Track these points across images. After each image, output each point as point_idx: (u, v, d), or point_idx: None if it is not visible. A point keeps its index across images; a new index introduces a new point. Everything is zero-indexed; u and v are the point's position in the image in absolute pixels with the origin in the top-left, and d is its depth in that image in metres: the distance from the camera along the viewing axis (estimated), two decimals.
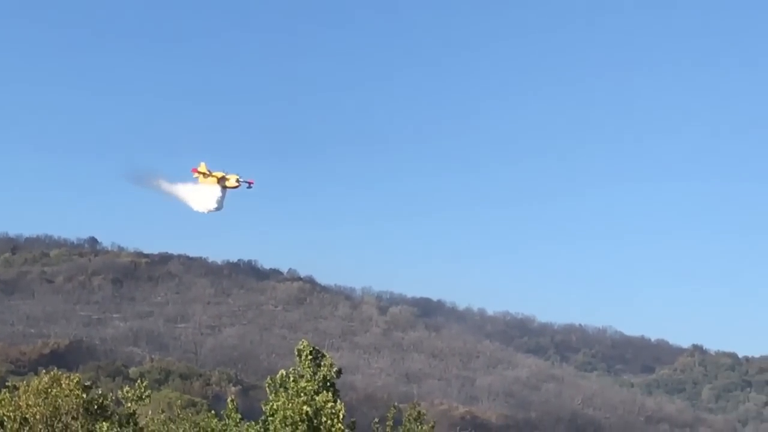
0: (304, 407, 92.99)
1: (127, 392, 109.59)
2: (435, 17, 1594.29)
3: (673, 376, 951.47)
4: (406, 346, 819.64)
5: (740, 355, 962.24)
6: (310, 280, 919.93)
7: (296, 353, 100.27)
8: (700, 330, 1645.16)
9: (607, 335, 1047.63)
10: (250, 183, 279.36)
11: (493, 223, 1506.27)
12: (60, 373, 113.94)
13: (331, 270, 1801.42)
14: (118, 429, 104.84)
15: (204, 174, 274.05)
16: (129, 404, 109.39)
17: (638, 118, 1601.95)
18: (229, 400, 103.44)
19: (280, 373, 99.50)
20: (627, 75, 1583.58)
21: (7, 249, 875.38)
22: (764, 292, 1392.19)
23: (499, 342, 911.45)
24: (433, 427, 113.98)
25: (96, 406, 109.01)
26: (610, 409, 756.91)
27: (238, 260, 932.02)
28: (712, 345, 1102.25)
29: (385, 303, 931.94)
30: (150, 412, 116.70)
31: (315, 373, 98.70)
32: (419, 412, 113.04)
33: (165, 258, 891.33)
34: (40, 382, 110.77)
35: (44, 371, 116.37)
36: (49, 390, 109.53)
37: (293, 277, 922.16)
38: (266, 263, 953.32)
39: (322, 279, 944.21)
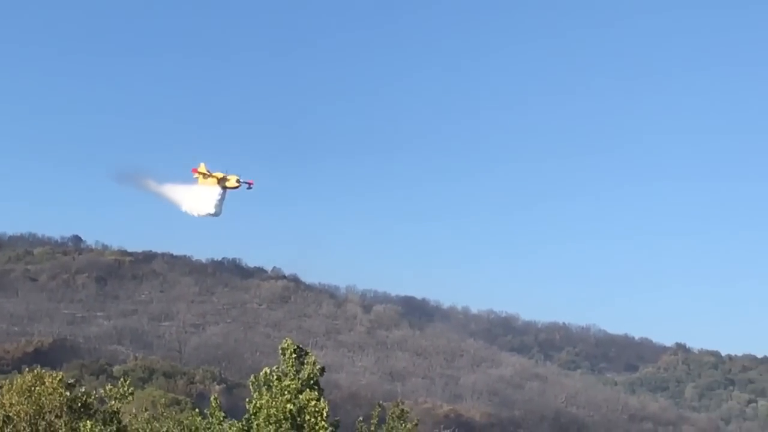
0: (288, 405, 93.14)
1: (110, 390, 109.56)
2: (435, 17, 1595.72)
3: (657, 375, 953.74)
4: (390, 345, 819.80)
5: (723, 354, 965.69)
6: (295, 279, 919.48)
7: (280, 351, 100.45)
8: (683, 328, 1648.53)
9: (591, 334, 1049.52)
10: (250, 184, 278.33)
11: (476, 222, 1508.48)
12: (44, 371, 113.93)
13: (315, 268, 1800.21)
14: (102, 427, 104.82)
15: (204, 174, 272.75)
16: (112, 402, 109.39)
17: (621, 120, 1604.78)
18: (212, 398, 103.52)
19: (263, 371, 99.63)
20: (611, 77, 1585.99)
21: None
22: (747, 290, 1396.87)
23: (483, 340, 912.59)
24: (416, 425, 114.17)
25: (80, 404, 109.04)
26: (593, 407, 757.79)
27: (223, 258, 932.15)
28: (696, 343, 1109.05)
29: (369, 301, 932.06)
30: (134, 411, 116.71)
31: (298, 372, 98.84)
32: (402, 410, 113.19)
33: (149, 256, 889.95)
34: (23, 381, 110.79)
35: (28, 370, 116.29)
36: (33, 388, 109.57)
37: (277, 276, 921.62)
38: (250, 261, 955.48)
39: (307, 277, 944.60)
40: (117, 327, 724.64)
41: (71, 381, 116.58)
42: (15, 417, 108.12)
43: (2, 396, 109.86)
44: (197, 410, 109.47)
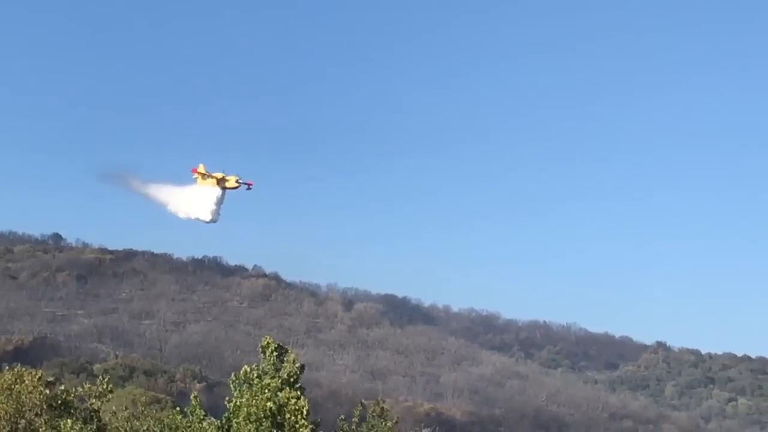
0: (268, 404, 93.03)
1: (90, 389, 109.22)
2: (434, 16, 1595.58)
3: (637, 373, 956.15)
4: (371, 343, 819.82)
5: (703, 352, 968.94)
6: (276, 277, 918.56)
7: (260, 349, 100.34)
8: (663, 327, 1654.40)
9: (572, 332, 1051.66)
10: (249, 185, 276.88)
11: (457, 220, 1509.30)
12: (24, 369, 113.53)
13: (296, 267, 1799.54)
14: (82, 426, 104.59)
15: (203, 175, 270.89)
16: (92, 401, 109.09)
17: (606, 125, 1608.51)
18: (192, 396, 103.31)
19: (243, 369, 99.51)
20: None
21: None
22: (727, 289, 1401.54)
23: (464, 339, 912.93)
24: (396, 423, 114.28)
25: (59, 402, 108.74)
26: (574, 405, 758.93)
27: (203, 257, 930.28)
28: (676, 342, 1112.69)
29: (350, 299, 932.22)
30: (114, 409, 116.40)
31: (278, 370, 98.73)
32: (383, 409, 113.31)
33: (129, 254, 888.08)
34: (3, 379, 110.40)
35: (8, 368, 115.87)
36: (13, 387, 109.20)
37: (258, 274, 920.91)
38: (231, 260, 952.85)
39: (288, 276, 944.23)
40: (97, 325, 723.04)
41: (51, 379, 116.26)
42: None
43: None
44: (177, 409, 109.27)
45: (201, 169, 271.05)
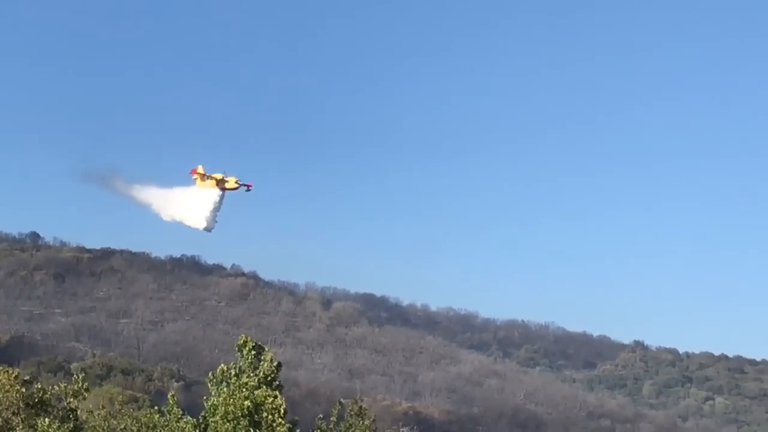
0: (245, 402, 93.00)
1: (66, 387, 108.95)
2: (434, 15, 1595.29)
3: (615, 372, 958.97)
4: (350, 342, 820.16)
5: (681, 351, 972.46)
6: (254, 276, 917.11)
7: (237, 348, 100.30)
8: (641, 326, 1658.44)
9: (550, 331, 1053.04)
10: (249, 186, 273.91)
11: (436, 219, 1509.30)
12: (0, 368, 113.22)
13: (274, 265, 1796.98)
14: (59, 424, 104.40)
15: (202, 176, 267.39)
16: (69, 399, 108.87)
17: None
18: (169, 395, 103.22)
19: (220, 367, 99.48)
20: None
21: None
22: (704, 288, 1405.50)
23: (442, 338, 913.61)
24: (374, 422, 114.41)
25: (36, 401, 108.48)
26: (552, 404, 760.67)
27: (182, 255, 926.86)
28: (653, 341, 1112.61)
29: (328, 299, 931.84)
30: (91, 407, 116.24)
31: (256, 368, 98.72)
32: (361, 408, 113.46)
33: (107, 253, 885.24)
34: None
35: None
36: None
37: (236, 273, 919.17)
38: (209, 259, 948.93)
39: (266, 275, 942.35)
40: (75, 324, 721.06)
41: (28, 378, 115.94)
42: None
43: None
44: (155, 407, 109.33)
45: (200, 170, 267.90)
